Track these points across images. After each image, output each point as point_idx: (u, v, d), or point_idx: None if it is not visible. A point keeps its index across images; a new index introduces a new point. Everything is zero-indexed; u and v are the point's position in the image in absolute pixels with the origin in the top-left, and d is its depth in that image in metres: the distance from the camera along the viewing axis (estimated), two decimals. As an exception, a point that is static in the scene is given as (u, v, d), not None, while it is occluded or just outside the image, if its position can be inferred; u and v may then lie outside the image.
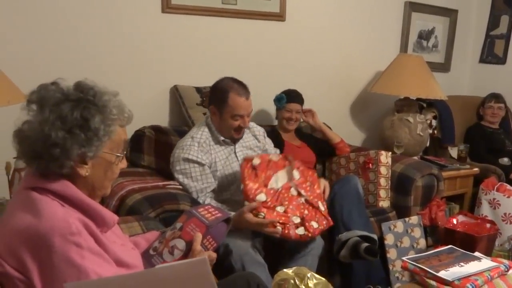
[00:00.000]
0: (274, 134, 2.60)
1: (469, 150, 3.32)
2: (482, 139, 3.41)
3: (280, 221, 1.80)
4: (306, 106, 2.74)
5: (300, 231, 1.84)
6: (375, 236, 2.05)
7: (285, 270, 1.16)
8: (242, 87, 2.02)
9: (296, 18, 2.94)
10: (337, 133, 2.85)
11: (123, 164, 1.16)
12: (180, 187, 1.97)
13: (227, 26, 2.70)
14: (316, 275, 1.14)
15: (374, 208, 2.48)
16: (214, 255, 1.31)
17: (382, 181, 2.51)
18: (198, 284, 0.76)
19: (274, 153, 2.23)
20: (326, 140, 2.77)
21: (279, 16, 2.89)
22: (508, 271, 1.72)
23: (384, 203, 2.51)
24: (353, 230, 2.00)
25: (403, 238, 2.40)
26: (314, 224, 1.88)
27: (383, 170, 2.51)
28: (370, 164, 2.53)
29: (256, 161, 1.91)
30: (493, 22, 3.89)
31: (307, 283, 1.10)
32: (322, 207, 1.97)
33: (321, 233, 1.94)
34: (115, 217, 1.13)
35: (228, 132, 2.06)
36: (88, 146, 1.04)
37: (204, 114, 2.39)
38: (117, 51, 2.37)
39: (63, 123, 1.02)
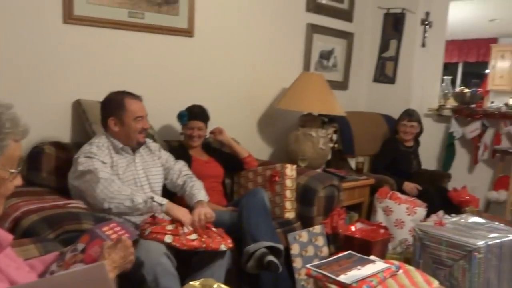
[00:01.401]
0: (181, 150, 2.61)
1: (375, 161, 3.57)
2: (390, 156, 3.61)
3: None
4: (214, 121, 2.77)
5: (193, 236, 1.87)
6: (281, 247, 2.14)
7: (191, 282, 1.16)
8: (132, 93, 2.16)
9: (204, 35, 2.99)
10: (245, 147, 2.92)
11: (18, 181, 1.11)
12: (83, 206, 1.88)
13: (133, 40, 2.66)
14: (223, 286, 1.16)
15: (281, 219, 2.57)
16: (129, 241, 1.27)
17: (288, 193, 2.62)
18: (97, 290, 0.75)
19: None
20: (234, 155, 2.82)
21: (188, 32, 2.91)
22: (398, 271, 1.89)
23: (290, 214, 2.62)
24: (260, 242, 2.06)
25: (307, 247, 2.53)
26: (210, 241, 1.91)
27: (288, 182, 2.62)
28: (276, 177, 2.63)
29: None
30: (383, 46, 4.28)
31: (213, 294, 1.12)
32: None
33: (219, 247, 1.93)
34: (9, 236, 1.06)
35: (134, 137, 2.12)
36: None
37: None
38: (14, 63, 2.22)
39: None
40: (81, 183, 1.96)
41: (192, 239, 1.85)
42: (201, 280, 1.17)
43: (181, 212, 1.94)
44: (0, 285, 0.95)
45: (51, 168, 2.17)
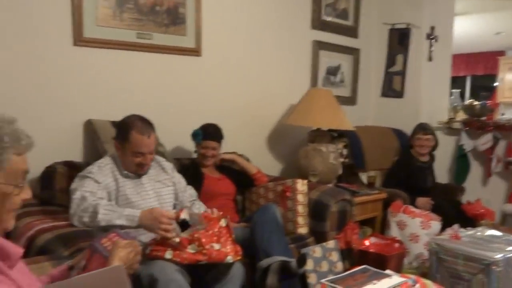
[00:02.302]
0: (193, 167, 2.61)
1: (389, 176, 3.56)
2: (404, 171, 3.53)
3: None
4: (224, 138, 2.77)
5: (192, 248, 1.81)
6: (294, 261, 2.11)
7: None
8: (145, 126, 2.08)
9: (212, 54, 3.03)
10: (255, 164, 2.92)
11: (26, 194, 1.09)
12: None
13: (142, 60, 2.70)
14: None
15: (294, 235, 2.54)
16: (138, 244, 1.27)
17: (300, 208, 2.59)
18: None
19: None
20: (244, 172, 2.81)
21: (195, 51, 2.95)
22: (415, 285, 1.85)
23: (303, 230, 2.59)
24: (273, 256, 2.04)
25: (321, 263, 2.48)
26: (215, 246, 1.85)
27: (300, 197, 2.60)
28: (288, 193, 2.61)
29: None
30: (390, 60, 4.28)
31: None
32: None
33: (224, 258, 1.87)
34: (19, 250, 1.05)
35: (131, 167, 2.10)
36: None
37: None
38: (27, 84, 2.27)
39: None
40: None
41: (193, 252, 1.81)
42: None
43: (152, 225, 1.80)
44: None
45: (63, 187, 2.18)
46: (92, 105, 2.51)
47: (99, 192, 1.98)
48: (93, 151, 2.44)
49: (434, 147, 3.69)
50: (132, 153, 2.06)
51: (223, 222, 1.93)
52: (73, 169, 2.24)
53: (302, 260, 1.98)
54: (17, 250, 1.04)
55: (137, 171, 2.12)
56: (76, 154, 2.44)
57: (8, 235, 1.08)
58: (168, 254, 1.79)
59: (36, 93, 2.31)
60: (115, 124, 2.41)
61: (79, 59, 2.45)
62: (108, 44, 2.54)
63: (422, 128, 3.61)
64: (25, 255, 1.13)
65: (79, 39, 2.43)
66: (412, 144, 3.64)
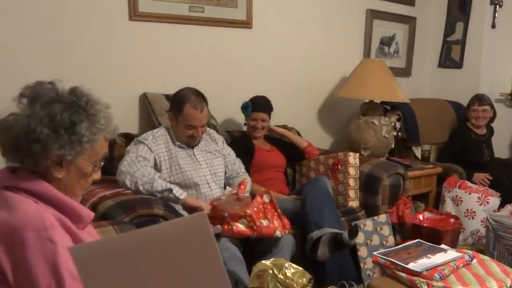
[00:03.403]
0: (244, 139, 2.63)
1: (444, 150, 3.44)
2: (459, 144, 3.41)
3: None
4: (275, 111, 2.76)
5: (242, 224, 1.87)
6: (346, 233, 2.10)
7: (263, 261, 1.18)
8: (199, 100, 2.13)
9: (262, 26, 3.00)
10: (306, 137, 2.90)
11: (97, 175, 1.17)
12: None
13: (194, 33, 2.73)
14: (293, 265, 1.17)
15: (344, 208, 2.53)
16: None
17: (351, 181, 2.57)
18: (197, 238, 0.78)
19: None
20: (295, 145, 2.81)
21: (246, 24, 2.93)
22: (472, 260, 1.80)
23: (354, 203, 2.58)
24: (324, 228, 2.05)
25: (372, 236, 2.47)
26: (264, 222, 1.90)
27: (351, 171, 2.58)
28: (339, 166, 2.59)
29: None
30: (449, 29, 4.07)
31: (285, 273, 1.12)
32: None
33: (273, 233, 1.93)
34: (91, 214, 1.13)
35: (182, 139, 2.17)
36: (69, 149, 1.05)
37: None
38: (85, 59, 2.36)
39: (51, 121, 1.03)
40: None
41: (242, 227, 1.86)
42: (272, 259, 1.18)
43: (201, 202, 1.99)
44: None
45: (121, 157, 2.28)
46: (147, 78, 2.57)
47: (151, 158, 2.08)
48: (148, 124, 2.52)
49: (492, 119, 3.52)
50: (185, 125, 2.12)
51: (266, 198, 1.96)
52: (130, 141, 2.31)
53: (353, 232, 1.97)
54: (89, 213, 1.12)
55: (188, 142, 2.18)
56: (132, 126, 2.53)
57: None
58: (217, 230, 1.84)
59: (95, 68, 2.39)
60: (169, 97, 2.48)
61: (135, 34, 2.51)
62: (162, 18, 2.58)
63: (478, 99, 3.45)
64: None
65: (135, 14, 2.48)
66: (468, 116, 3.49)
